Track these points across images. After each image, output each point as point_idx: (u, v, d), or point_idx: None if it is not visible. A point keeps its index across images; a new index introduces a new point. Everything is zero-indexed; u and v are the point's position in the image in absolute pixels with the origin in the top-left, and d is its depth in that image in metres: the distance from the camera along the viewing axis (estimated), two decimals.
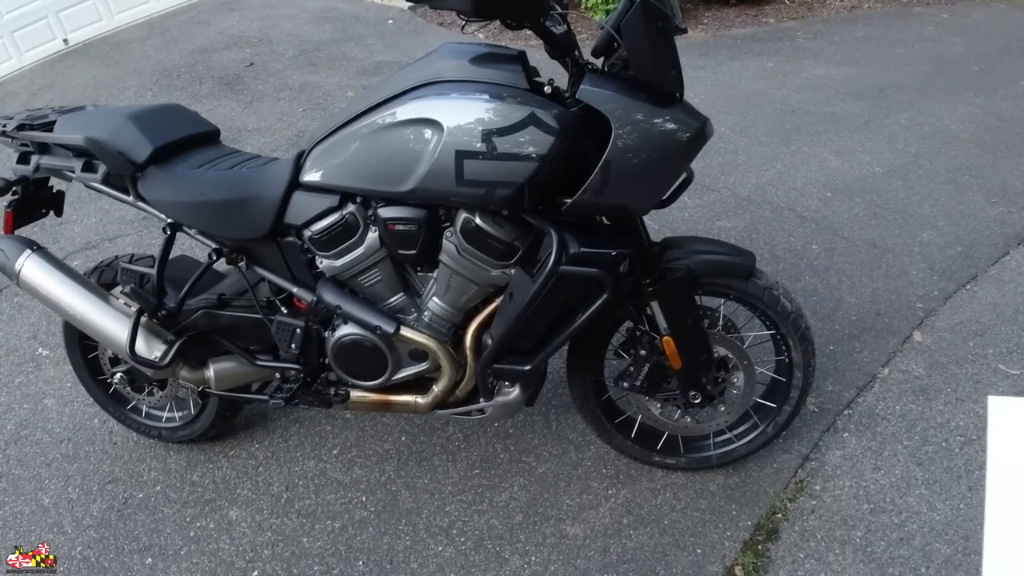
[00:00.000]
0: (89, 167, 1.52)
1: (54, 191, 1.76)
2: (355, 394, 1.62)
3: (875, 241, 2.60)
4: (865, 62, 4.23)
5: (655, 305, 1.44)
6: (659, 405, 1.65)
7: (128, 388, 1.85)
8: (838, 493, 1.74)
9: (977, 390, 1.98)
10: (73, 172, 1.55)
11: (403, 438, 1.96)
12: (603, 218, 1.40)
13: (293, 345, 1.56)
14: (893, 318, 2.25)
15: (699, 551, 1.62)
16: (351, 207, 1.39)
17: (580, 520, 1.70)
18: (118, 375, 1.80)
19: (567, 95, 1.26)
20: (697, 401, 1.56)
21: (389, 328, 1.43)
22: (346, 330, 1.51)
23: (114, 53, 4.88)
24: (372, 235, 1.41)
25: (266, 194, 1.44)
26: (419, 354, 1.54)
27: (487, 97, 1.21)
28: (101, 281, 1.73)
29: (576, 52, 1.26)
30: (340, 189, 1.38)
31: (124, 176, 1.52)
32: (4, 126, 1.58)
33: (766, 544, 1.64)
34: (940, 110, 3.44)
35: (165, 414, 1.98)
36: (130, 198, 1.56)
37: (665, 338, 1.46)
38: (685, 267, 1.42)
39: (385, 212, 1.37)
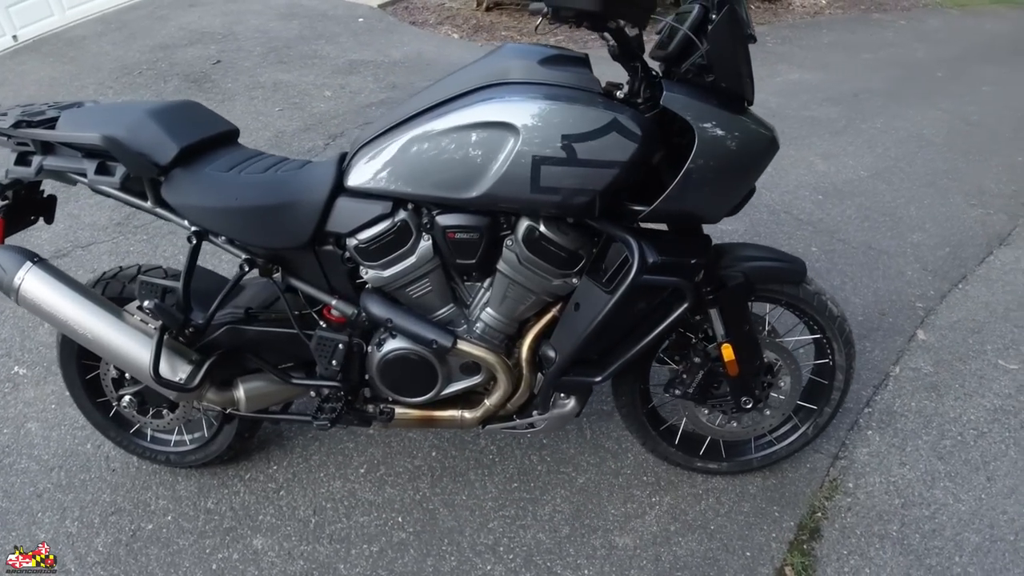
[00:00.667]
0: (104, 169, 1.40)
1: (44, 195, 1.61)
2: (399, 411, 1.56)
3: (870, 243, 2.72)
4: (836, 67, 4.43)
5: (713, 312, 1.45)
6: (706, 411, 1.66)
7: (135, 411, 1.72)
8: (870, 490, 1.80)
9: (982, 385, 2.10)
10: (84, 175, 1.42)
11: (433, 453, 1.91)
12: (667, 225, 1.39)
13: (334, 361, 1.48)
14: (897, 318, 2.35)
15: (748, 554, 1.65)
16: (403, 214, 1.33)
17: (628, 530, 1.70)
18: (126, 398, 1.68)
19: (639, 101, 1.24)
20: (748, 406, 1.58)
21: (447, 342, 1.38)
22: (394, 344, 1.45)
23: (68, 50, 4.56)
24: (425, 243, 1.36)
25: (307, 199, 1.36)
26: (471, 367, 1.50)
27: (565, 101, 1.18)
28: (106, 295, 1.60)
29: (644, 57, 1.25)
30: (393, 195, 1.32)
31: (143, 180, 1.41)
32: None
33: (811, 543, 1.68)
34: (912, 115, 3.63)
35: (174, 437, 1.86)
36: (148, 204, 1.44)
37: (724, 345, 1.47)
38: (742, 274, 1.43)
39: (444, 220, 1.32)
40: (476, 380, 1.51)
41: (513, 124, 1.18)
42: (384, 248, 1.36)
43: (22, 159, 1.46)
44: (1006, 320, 2.31)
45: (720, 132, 1.19)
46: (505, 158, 1.19)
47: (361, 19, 5.14)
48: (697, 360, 1.55)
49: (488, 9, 5.66)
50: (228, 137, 1.56)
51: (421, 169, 1.27)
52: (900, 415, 2.01)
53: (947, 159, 3.27)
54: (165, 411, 1.76)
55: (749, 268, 1.45)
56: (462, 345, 1.41)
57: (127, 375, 1.69)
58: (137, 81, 4.01)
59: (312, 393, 1.60)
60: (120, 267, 1.67)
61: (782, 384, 1.64)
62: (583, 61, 1.26)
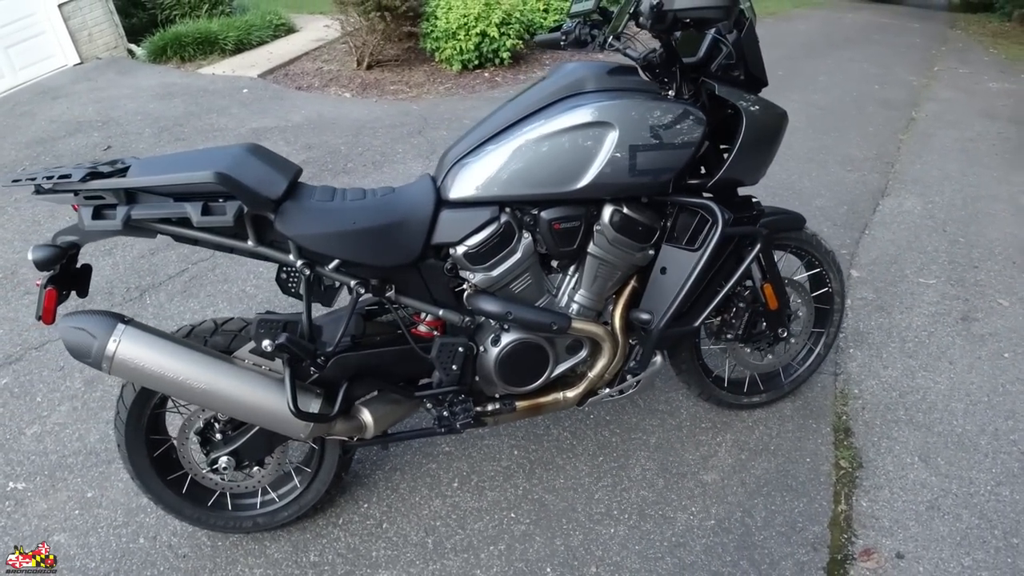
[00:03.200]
0: (209, 210, 1.38)
1: (79, 266, 1.52)
2: (517, 403, 1.76)
3: None
4: None
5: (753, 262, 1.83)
6: (748, 349, 2.04)
7: (232, 471, 1.73)
8: (871, 391, 2.29)
9: (915, 299, 2.72)
10: (184, 220, 1.39)
11: (515, 452, 2.10)
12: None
13: (455, 366, 1.66)
14: None
15: (808, 460, 2.03)
16: (506, 216, 1.57)
17: (709, 467, 2.02)
18: (223, 459, 1.69)
19: (686, 96, 1.61)
20: (784, 336, 1.98)
21: (564, 322, 1.63)
22: (512, 336, 1.67)
23: None
24: (526, 240, 1.61)
25: (416, 216, 1.54)
26: (574, 346, 1.75)
27: (644, 99, 1.53)
28: None
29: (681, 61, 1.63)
30: (499, 199, 1.55)
31: (245, 220, 1.43)
32: (51, 180, 1.33)
33: (847, 439, 2.11)
34: None
35: (259, 499, 1.87)
36: (249, 244, 1.46)
37: (765, 285, 1.86)
38: (763, 226, 1.84)
39: (549, 214, 1.58)
40: (580, 356, 1.76)
41: (609, 122, 1.50)
42: (492, 250, 1.58)
43: (98, 214, 1.38)
44: (911, 249, 3.00)
45: (756, 110, 1.60)
46: (607, 150, 1.50)
47: (245, 90, 5.20)
48: (742, 305, 1.92)
49: (369, 68, 5.96)
50: (298, 174, 1.65)
51: (527, 172, 1.53)
52: (867, 333, 2.55)
53: (815, 139, 4.08)
54: (256, 469, 1.79)
55: (768, 221, 1.86)
56: (575, 323, 1.66)
57: (217, 437, 1.71)
58: None
59: (428, 405, 1.74)
60: (203, 320, 1.68)
61: (800, 314, 2.07)
62: (635, 70, 1.61)
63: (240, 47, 6.58)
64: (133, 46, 6.73)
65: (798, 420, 2.17)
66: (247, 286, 2.92)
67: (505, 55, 5.86)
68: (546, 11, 6.37)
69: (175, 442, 1.74)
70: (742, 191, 1.78)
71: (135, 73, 5.98)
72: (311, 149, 4.23)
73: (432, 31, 5.82)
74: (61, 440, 2.14)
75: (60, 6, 6.26)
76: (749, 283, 1.90)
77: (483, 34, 5.69)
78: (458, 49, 5.73)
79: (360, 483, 2.03)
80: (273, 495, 1.88)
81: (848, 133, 4.11)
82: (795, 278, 2.08)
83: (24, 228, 3.35)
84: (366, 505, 1.97)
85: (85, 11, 6.45)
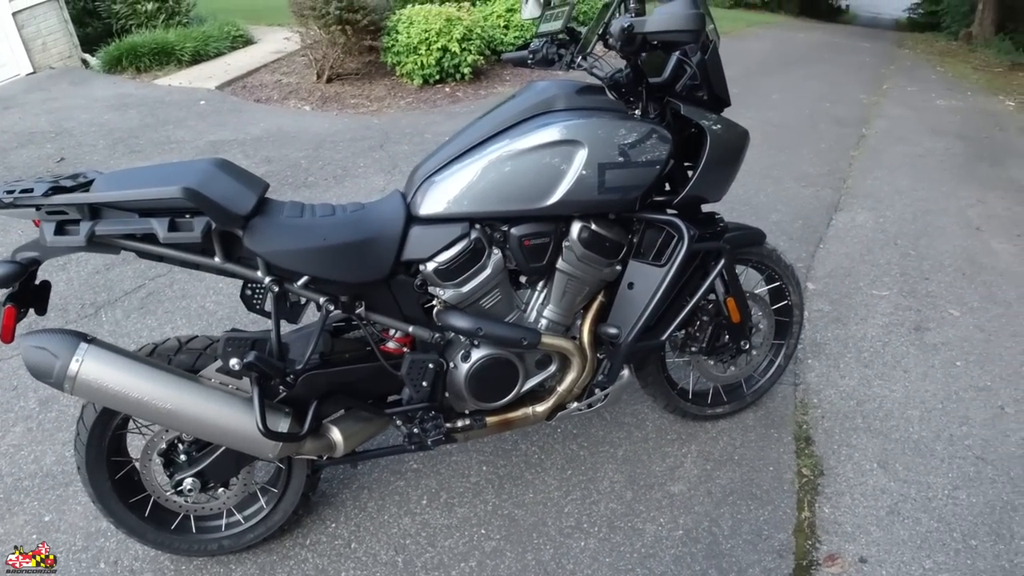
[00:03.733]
0: (175, 226, 1.36)
1: (38, 283, 1.48)
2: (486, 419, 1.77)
3: None
4: None
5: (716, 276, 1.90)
6: (712, 362, 2.10)
7: (197, 493, 1.69)
8: (830, 400, 2.38)
9: (869, 310, 2.84)
10: (149, 236, 1.36)
11: (484, 468, 2.11)
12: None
13: (425, 382, 1.67)
14: None
15: (771, 468, 2.10)
16: (476, 232, 1.60)
17: (676, 478, 2.06)
18: (187, 481, 1.66)
19: (651, 115, 1.67)
20: (746, 348, 2.04)
21: (535, 337, 1.66)
22: (482, 352, 1.69)
23: None
24: (496, 256, 1.64)
25: (386, 232, 1.55)
26: (543, 361, 1.79)
27: (612, 118, 1.58)
28: None
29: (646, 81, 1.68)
30: (468, 216, 1.58)
31: (212, 237, 1.42)
32: (11, 195, 1.29)
33: (808, 448, 2.18)
34: None
35: (224, 520, 1.84)
36: (216, 261, 1.44)
37: (728, 299, 1.93)
38: (728, 241, 1.91)
39: (519, 230, 1.62)
40: (550, 371, 1.79)
41: (578, 140, 1.54)
42: (462, 266, 1.61)
43: (61, 229, 1.34)
44: (864, 262, 3.13)
45: (719, 129, 1.66)
46: (576, 168, 1.54)
47: (203, 102, 5.13)
48: (706, 318, 1.99)
49: (329, 81, 5.94)
50: (266, 189, 1.60)
51: (497, 189, 1.56)
52: (824, 344, 2.65)
53: (770, 155, 4.23)
54: (221, 490, 1.76)
55: (730, 237, 1.93)
56: (545, 338, 1.69)
57: (181, 458, 1.68)
58: None
59: (398, 422, 1.74)
60: (167, 338, 1.65)
61: (761, 326, 2.14)
62: (603, 89, 1.66)
63: (197, 58, 6.50)
64: (88, 56, 6.58)
65: (760, 430, 2.24)
66: (206, 302, 2.87)
67: (466, 70, 5.93)
68: (506, 27, 6.46)
69: (137, 464, 1.71)
70: (705, 208, 1.85)
71: (89, 83, 5.84)
72: (271, 163, 4.19)
73: (393, 45, 5.85)
74: (16, 462, 2.07)
75: (14, 14, 6.10)
76: (713, 297, 1.96)
77: (444, 49, 5.74)
78: (419, 64, 5.77)
79: (327, 502, 2.01)
80: (239, 516, 1.85)
81: (801, 150, 4.28)
82: (756, 292, 2.15)
83: None
84: (334, 525, 1.95)
85: (39, 20, 6.29)
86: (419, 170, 1.65)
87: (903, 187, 4.27)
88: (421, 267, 1.59)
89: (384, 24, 5.88)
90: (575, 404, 1.88)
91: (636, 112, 1.66)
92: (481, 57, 6.00)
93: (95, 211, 1.36)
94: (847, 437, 2.22)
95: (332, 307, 1.54)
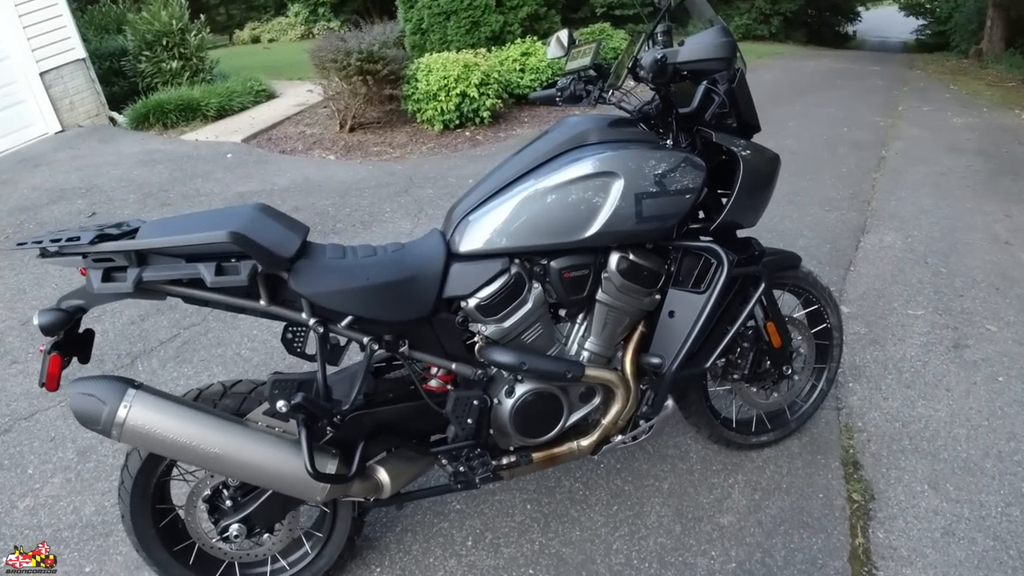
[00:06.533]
0: (222, 270, 1.38)
1: (82, 331, 1.50)
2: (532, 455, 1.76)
3: None
4: None
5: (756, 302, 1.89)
6: (754, 389, 2.08)
7: (244, 539, 1.69)
8: (875, 423, 2.33)
9: (906, 330, 2.80)
10: (197, 281, 1.38)
11: (528, 506, 2.08)
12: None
13: (470, 420, 1.67)
14: None
15: (821, 496, 2.05)
16: (516, 267, 1.61)
17: (725, 510, 2.02)
18: (234, 527, 1.66)
19: (683, 144, 1.69)
20: (788, 372, 2.02)
21: (578, 370, 1.66)
22: (526, 387, 1.69)
23: None
24: (537, 290, 1.65)
25: (427, 270, 1.57)
26: (587, 394, 1.78)
27: (647, 149, 1.60)
28: None
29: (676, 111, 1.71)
30: (508, 251, 1.60)
31: (258, 280, 1.43)
32: (57, 243, 1.32)
33: (857, 473, 2.14)
34: None
35: (269, 568, 1.83)
36: (262, 304, 1.46)
37: (768, 324, 1.92)
38: (765, 265, 1.91)
39: (558, 263, 1.63)
40: (594, 404, 1.78)
41: (615, 171, 1.57)
42: (504, 301, 1.62)
43: (108, 276, 1.37)
44: (896, 282, 3.10)
45: (750, 155, 1.68)
46: (614, 199, 1.56)
47: (229, 155, 5.28)
48: (746, 345, 1.97)
49: (352, 130, 6.10)
50: (307, 233, 1.62)
51: (535, 223, 1.58)
52: (863, 367, 2.61)
53: (791, 182, 4.24)
54: (266, 536, 1.76)
55: (767, 261, 1.93)
56: (589, 371, 1.69)
57: (226, 504, 1.68)
58: (6, 245, 3.74)
59: (443, 461, 1.74)
60: (211, 383, 1.67)
61: (803, 351, 2.12)
62: (635, 121, 1.69)
63: (222, 113, 6.72)
64: (115, 114, 6.83)
65: (807, 456, 2.20)
66: (241, 349, 2.90)
67: (485, 114, 6.06)
68: (522, 71, 6.62)
69: (181, 511, 1.71)
70: (740, 233, 1.85)
71: (117, 140, 6.05)
72: (299, 211, 4.28)
73: (413, 93, 6.01)
74: (55, 513, 2.08)
75: (42, 75, 6.37)
76: (752, 323, 1.95)
77: (463, 94, 5.89)
78: (439, 110, 5.91)
79: (371, 546, 1.99)
80: (283, 563, 1.84)
81: (823, 175, 4.29)
82: (795, 316, 2.14)
83: (8, 296, 3.32)
84: (379, 569, 1.93)
85: (67, 79, 6.56)
86: (457, 208, 1.68)
87: (928, 206, 4.25)
88: (463, 304, 1.61)
89: (403, 73, 6.06)
90: (620, 437, 1.86)
91: (668, 142, 1.69)
92: (499, 100, 6.14)
93: (142, 257, 1.38)
94: (895, 459, 2.17)
95: (376, 346, 1.56)
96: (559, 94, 1.85)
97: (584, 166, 1.58)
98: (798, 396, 2.23)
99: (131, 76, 7.38)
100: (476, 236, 1.59)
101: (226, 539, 1.68)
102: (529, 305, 1.64)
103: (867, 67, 10.57)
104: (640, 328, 1.80)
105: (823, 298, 2.12)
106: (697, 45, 1.47)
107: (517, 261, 1.62)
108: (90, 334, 1.51)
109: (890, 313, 2.91)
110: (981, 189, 4.59)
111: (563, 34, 1.92)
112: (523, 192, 1.59)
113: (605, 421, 1.80)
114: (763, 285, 1.77)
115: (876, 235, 3.68)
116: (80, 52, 6.65)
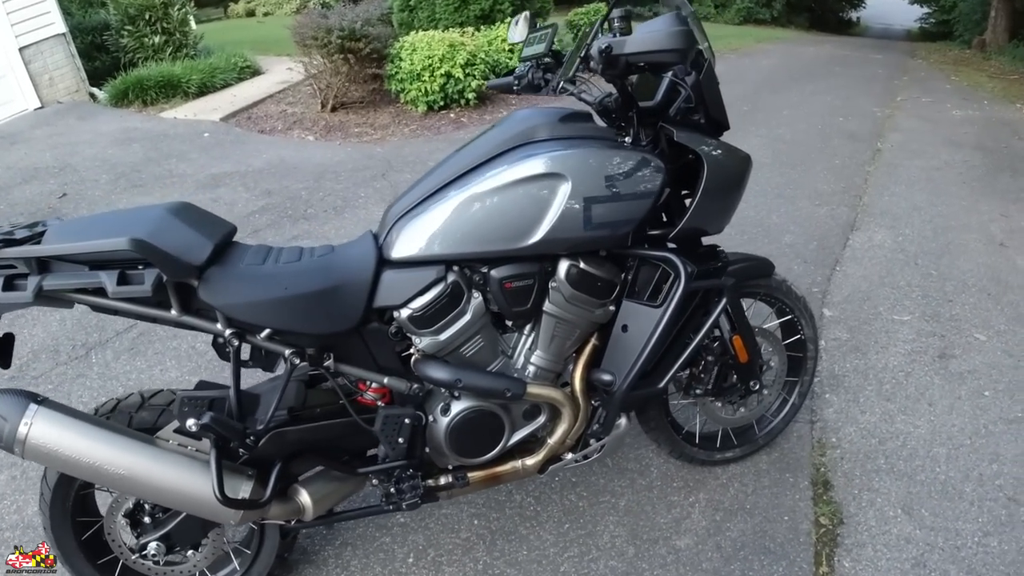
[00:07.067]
0: (125, 279, 1.27)
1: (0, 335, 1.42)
2: (471, 474, 1.63)
3: (755, 251, 3.26)
4: None
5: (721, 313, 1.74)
6: (719, 404, 1.94)
7: (162, 557, 1.56)
8: (850, 439, 2.20)
9: (890, 337, 2.65)
10: (99, 290, 1.27)
11: (476, 521, 1.95)
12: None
13: (401, 439, 1.53)
14: None
15: (786, 518, 1.92)
16: (453, 275, 1.46)
17: (682, 531, 1.89)
18: (152, 545, 1.53)
19: (643, 142, 1.52)
20: (756, 388, 1.88)
21: (519, 388, 1.51)
22: (463, 404, 1.55)
23: None
24: (476, 300, 1.49)
25: (356, 279, 1.42)
26: (531, 412, 1.63)
27: (599, 148, 1.44)
28: None
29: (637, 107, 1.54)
30: (444, 258, 1.45)
31: (168, 288, 1.32)
32: None
33: (827, 493, 2.00)
34: (739, 145, 4.45)
35: None
36: (173, 314, 1.34)
37: (734, 337, 1.77)
38: (731, 275, 1.75)
39: (499, 272, 1.47)
40: (539, 422, 1.64)
41: (561, 173, 1.40)
42: (439, 312, 1.47)
43: (10, 284, 1.27)
44: (883, 285, 2.94)
45: (717, 155, 1.52)
46: (559, 203, 1.40)
47: (207, 134, 5.10)
48: (710, 359, 1.82)
49: (334, 110, 5.90)
50: (231, 234, 1.50)
51: (475, 228, 1.42)
52: (842, 376, 2.46)
53: (782, 173, 4.07)
54: (190, 552, 1.63)
55: (735, 270, 1.78)
56: (531, 388, 1.54)
57: (147, 520, 1.56)
58: None
59: (374, 481, 1.60)
60: (117, 399, 1.55)
61: (772, 364, 1.97)
62: (590, 116, 1.53)
63: (204, 90, 6.51)
64: (95, 90, 6.63)
65: (774, 474, 2.06)
66: (197, 343, 2.76)
67: (470, 96, 5.85)
68: (511, 51, 6.39)
69: (105, 526, 1.59)
70: (706, 240, 1.70)
71: (96, 117, 5.86)
72: (271, 195, 4.12)
73: (397, 72, 5.80)
74: None
75: (21, 50, 6.16)
76: (718, 334, 1.80)
77: (448, 75, 5.68)
78: (423, 90, 5.70)
79: (308, 560, 1.87)
80: None
81: (815, 167, 4.11)
82: (765, 327, 1.99)
83: None
84: None
85: (46, 55, 6.35)
86: (392, 209, 1.52)
87: (921, 203, 4.07)
88: (395, 314, 1.46)
89: (387, 52, 5.84)
90: (569, 455, 1.72)
91: (627, 140, 1.52)
92: (485, 82, 5.92)
93: (44, 264, 1.28)
94: (868, 480, 2.03)
95: (298, 360, 1.42)
96: (516, 83, 1.68)
97: (528, 166, 1.42)
98: (767, 411, 2.08)
99: (113, 51, 7.13)
100: (410, 241, 1.44)
101: (145, 556, 1.56)
102: (468, 317, 1.49)
103: (868, 55, 10.29)
104: (593, 341, 1.65)
105: (797, 308, 1.96)
106: (647, 35, 1.30)
107: (455, 269, 1.47)
108: (9, 338, 1.40)
109: (875, 318, 2.76)
110: (978, 186, 4.41)
111: (523, 16, 1.74)
112: (461, 194, 1.43)
113: (551, 440, 1.66)
114: (724, 300, 1.61)
115: (866, 233, 3.51)
116: (60, 27, 6.42)
